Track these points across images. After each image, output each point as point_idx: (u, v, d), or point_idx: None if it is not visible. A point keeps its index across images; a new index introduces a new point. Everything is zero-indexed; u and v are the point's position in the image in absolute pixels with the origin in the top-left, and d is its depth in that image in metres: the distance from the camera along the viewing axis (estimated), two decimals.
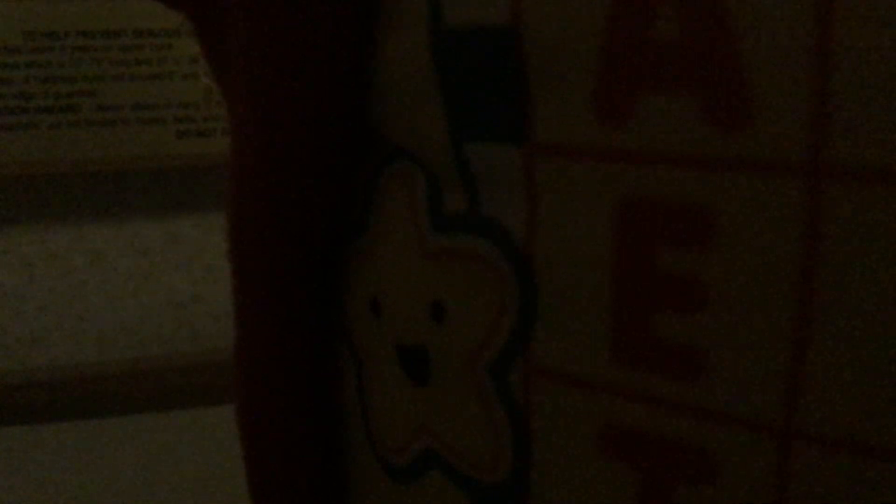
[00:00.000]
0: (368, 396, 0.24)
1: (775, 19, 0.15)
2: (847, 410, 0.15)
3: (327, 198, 0.23)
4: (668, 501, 0.17)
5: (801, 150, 0.15)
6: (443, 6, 0.19)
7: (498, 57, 0.18)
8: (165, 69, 1.14)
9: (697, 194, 0.16)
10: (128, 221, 1.19)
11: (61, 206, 1.16)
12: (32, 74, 1.09)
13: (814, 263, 0.15)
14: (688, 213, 0.16)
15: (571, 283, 0.18)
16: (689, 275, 0.16)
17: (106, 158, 1.12)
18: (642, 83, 0.16)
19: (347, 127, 0.22)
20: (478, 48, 0.18)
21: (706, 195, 0.16)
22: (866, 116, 0.14)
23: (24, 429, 1.14)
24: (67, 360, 1.20)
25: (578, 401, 0.18)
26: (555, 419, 0.19)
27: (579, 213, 0.18)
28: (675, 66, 0.16)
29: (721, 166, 0.16)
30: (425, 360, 0.21)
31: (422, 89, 0.20)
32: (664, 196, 0.16)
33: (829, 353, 0.15)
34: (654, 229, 0.17)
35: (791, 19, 0.15)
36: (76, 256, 1.18)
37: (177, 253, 1.21)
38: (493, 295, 0.19)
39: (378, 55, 0.21)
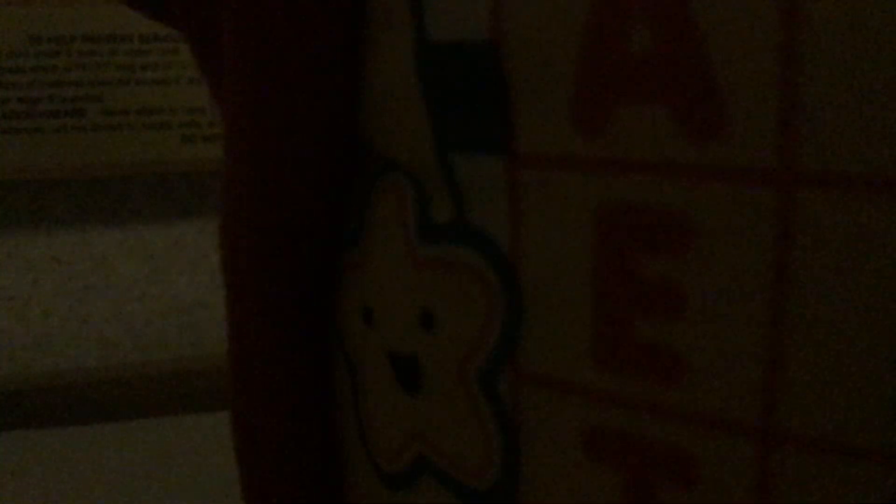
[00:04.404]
0: (363, 404, 0.24)
1: (743, 31, 0.15)
2: (823, 411, 0.15)
3: (320, 211, 0.23)
4: (651, 503, 0.18)
5: (772, 157, 0.15)
6: (426, 22, 0.19)
7: (480, 71, 0.18)
8: (171, 74, 1.14)
9: (674, 202, 0.16)
10: (132, 226, 1.19)
11: (66, 211, 1.17)
12: (38, 79, 1.10)
13: (787, 267, 0.15)
14: (665, 220, 0.16)
15: (555, 290, 0.18)
16: (667, 280, 0.17)
17: (111, 163, 1.12)
18: (618, 95, 0.16)
19: (340, 140, 0.22)
20: (460, 63, 0.19)
21: (682, 203, 0.16)
22: (832, 124, 0.14)
23: (28, 433, 1.15)
24: (71, 364, 1.20)
25: (564, 405, 0.19)
26: (541, 423, 0.19)
27: (561, 222, 0.18)
28: (649, 78, 0.16)
29: (696, 174, 0.16)
30: (416, 368, 0.21)
31: (408, 102, 0.20)
32: (642, 204, 0.17)
33: (805, 356, 0.15)
34: (632, 237, 0.17)
35: (758, 30, 0.15)
36: (80, 261, 1.18)
37: (181, 258, 1.21)
38: (480, 303, 0.20)
39: (366, 69, 0.21)
